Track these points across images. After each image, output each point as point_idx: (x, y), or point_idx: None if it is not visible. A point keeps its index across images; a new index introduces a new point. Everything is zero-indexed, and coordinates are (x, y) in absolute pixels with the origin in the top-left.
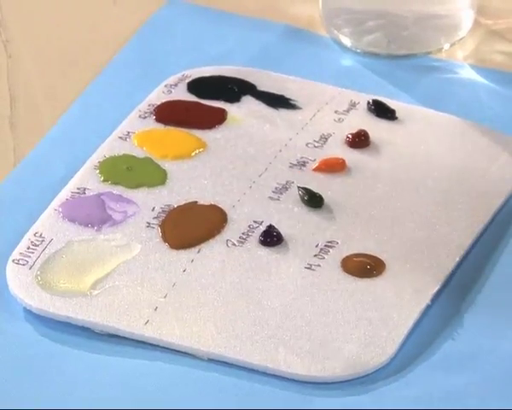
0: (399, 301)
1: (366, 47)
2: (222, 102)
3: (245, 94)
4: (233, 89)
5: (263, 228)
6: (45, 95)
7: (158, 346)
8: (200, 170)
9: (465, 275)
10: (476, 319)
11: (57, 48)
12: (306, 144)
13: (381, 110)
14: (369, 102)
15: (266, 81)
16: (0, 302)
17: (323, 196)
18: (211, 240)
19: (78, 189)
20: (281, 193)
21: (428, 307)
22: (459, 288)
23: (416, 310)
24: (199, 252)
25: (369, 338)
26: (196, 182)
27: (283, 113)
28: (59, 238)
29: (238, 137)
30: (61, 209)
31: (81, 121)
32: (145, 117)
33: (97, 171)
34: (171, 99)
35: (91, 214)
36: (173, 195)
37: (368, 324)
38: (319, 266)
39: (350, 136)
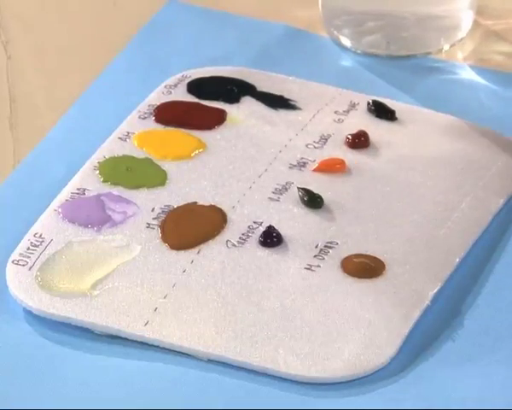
0: (399, 301)
1: (366, 48)
2: (221, 103)
3: (245, 95)
4: (233, 90)
5: (263, 229)
6: (45, 96)
7: (158, 347)
8: (200, 171)
9: (465, 276)
10: (476, 320)
11: (57, 49)
12: (306, 145)
13: (381, 111)
14: (368, 103)
15: (266, 82)
16: (0, 303)
17: (323, 197)
18: (210, 241)
19: (77, 189)
20: (280, 194)
21: (428, 308)
22: (459, 288)
23: (415, 311)
24: (199, 253)
25: (369, 339)
26: (196, 183)
27: (283, 113)
28: (59, 239)
29: (238, 137)
30: (60, 210)
31: (81, 122)
32: (145, 118)
33: (97, 171)
34: (171, 100)
35: (91, 215)
36: (173, 195)
37: (368, 324)
38: (319, 266)
39: (350, 136)
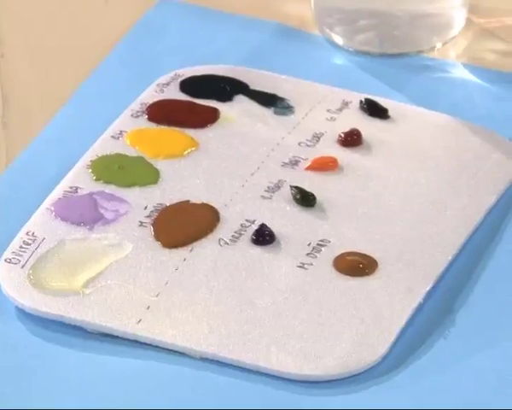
0: (392, 299)
1: (358, 46)
2: (214, 102)
3: (237, 93)
4: (225, 88)
5: (255, 227)
6: (38, 94)
7: (150, 345)
8: (193, 169)
9: (457, 274)
10: (468, 318)
11: (49, 47)
12: (299, 143)
13: (374, 109)
14: (361, 101)
15: (259, 80)
16: None
17: (316, 195)
18: (203, 239)
19: (70, 188)
20: (273, 192)
21: (420, 306)
22: (451, 287)
23: (408, 309)
24: (191, 251)
25: (362, 337)
26: (189, 181)
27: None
28: (51, 237)
29: (230, 136)
30: (53, 208)
31: (73, 121)
32: (137, 116)
33: (89, 170)
34: (164, 98)
35: (83, 213)
36: (165, 194)
37: (360, 322)
38: (311, 264)
39: (342, 135)
